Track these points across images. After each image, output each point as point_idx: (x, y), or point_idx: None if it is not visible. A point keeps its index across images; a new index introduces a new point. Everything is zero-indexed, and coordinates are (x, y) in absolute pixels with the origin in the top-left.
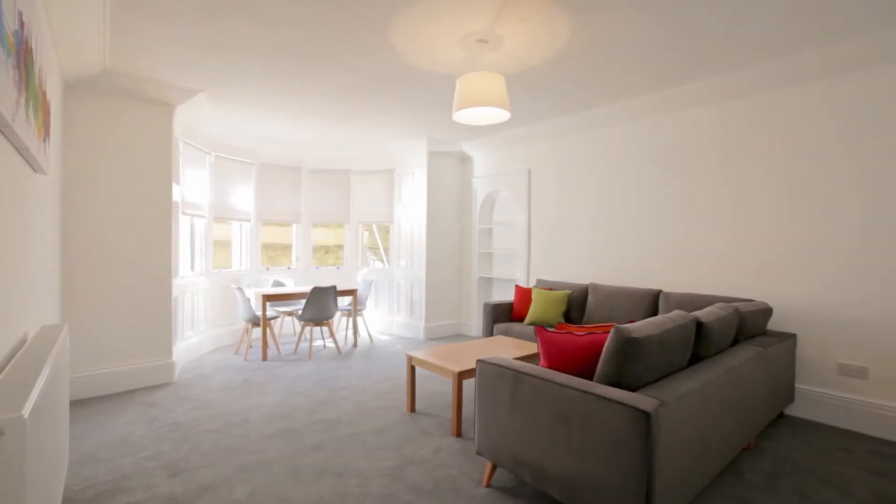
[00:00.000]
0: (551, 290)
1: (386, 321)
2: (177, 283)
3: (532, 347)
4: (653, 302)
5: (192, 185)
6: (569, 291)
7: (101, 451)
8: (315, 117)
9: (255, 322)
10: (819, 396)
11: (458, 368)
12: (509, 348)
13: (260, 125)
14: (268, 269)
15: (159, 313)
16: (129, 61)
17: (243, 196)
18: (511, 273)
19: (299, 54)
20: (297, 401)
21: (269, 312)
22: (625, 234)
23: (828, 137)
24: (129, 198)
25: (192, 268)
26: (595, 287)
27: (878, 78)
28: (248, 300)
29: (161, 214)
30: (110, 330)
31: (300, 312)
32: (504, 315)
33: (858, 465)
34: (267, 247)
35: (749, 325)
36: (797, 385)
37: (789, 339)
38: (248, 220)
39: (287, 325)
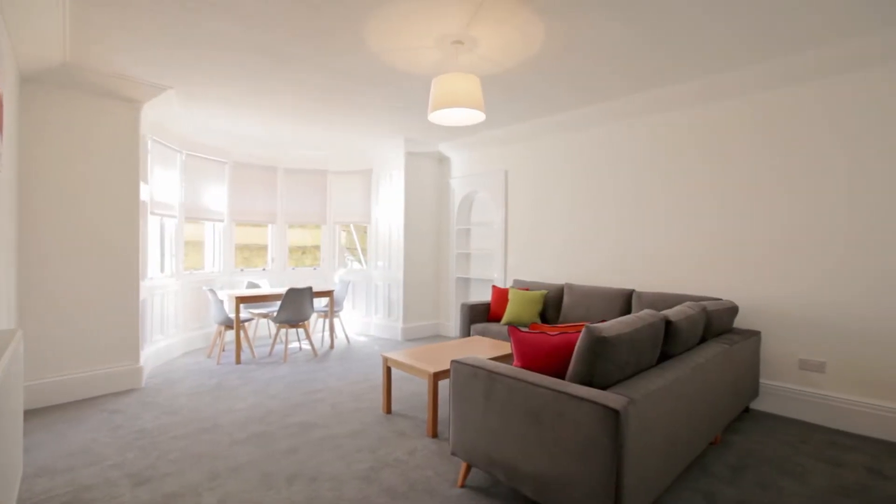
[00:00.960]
0: (528, 290)
1: (363, 322)
2: (145, 285)
3: (508, 347)
4: (626, 301)
5: (161, 185)
6: (545, 291)
7: (59, 461)
8: (290, 117)
9: (227, 324)
10: (781, 391)
11: (433, 369)
12: (486, 348)
13: (233, 124)
14: (242, 270)
15: (126, 316)
16: (93, 55)
17: (216, 196)
18: (489, 273)
19: (273, 53)
20: (271, 404)
21: (243, 314)
22: (600, 234)
23: (793, 142)
24: (93, 197)
25: (162, 269)
26: (570, 287)
27: (840, 88)
28: (221, 302)
29: (128, 214)
30: (72, 334)
31: (275, 314)
32: (481, 315)
33: (816, 456)
34: (242, 248)
35: (716, 323)
36: (761, 380)
37: (754, 336)
38: (222, 221)
39: (262, 327)
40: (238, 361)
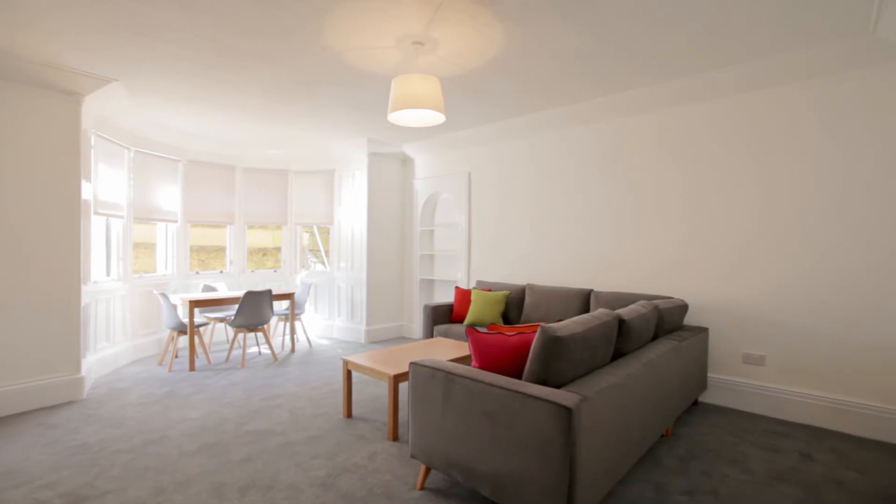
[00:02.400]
0: (490, 290)
1: (326, 325)
2: (88, 289)
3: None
4: (585, 301)
5: (107, 183)
6: (507, 292)
7: None
8: (248, 115)
9: (180, 330)
10: (727, 384)
11: (393, 371)
12: (448, 350)
13: (187, 120)
14: (198, 273)
15: (65, 323)
16: (24, 41)
17: (169, 195)
18: (452, 275)
19: (225, 47)
20: (226, 412)
21: (199, 319)
22: (562, 235)
23: (732, 147)
24: (27, 195)
25: (108, 272)
26: (532, 287)
27: (774, 97)
28: (173, 306)
29: (67, 214)
30: (2, 343)
31: (232, 318)
32: (444, 316)
33: (756, 444)
34: (198, 249)
35: (667, 320)
36: (709, 374)
37: (702, 332)
38: (175, 221)
39: (220, 332)
40: (192, 368)
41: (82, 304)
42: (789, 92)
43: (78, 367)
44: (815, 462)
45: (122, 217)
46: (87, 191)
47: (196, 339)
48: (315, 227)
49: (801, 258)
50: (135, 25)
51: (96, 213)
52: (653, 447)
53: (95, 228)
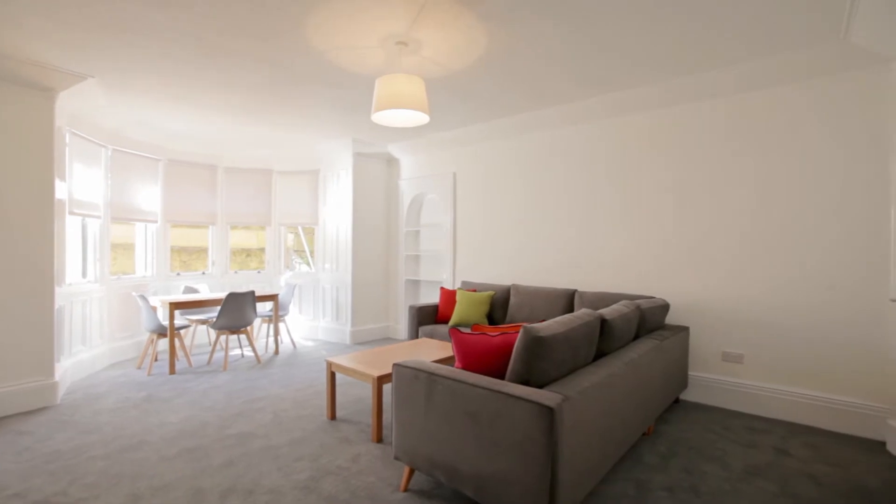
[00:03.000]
0: (475, 291)
1: (311, 326)
2: (63, 291)
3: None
4: (569, 301)
5: (83, 182)
6: (492, 293)
7: None
8: (230, 114)
9: (160, 332)
10: (707, 381)
11: (377, 373)
12: (432, 351)
13: (166, 118)
14: (179, 274)
15: (38, 327)
16: None
17: (148, 195)
18: (438, 275)
19: (205, 44)
20: (207, 416)
21: (179, 321)
22: (547, 235)
23: (717, 152)
24: None
25: (84, 274)
26: (516, 288)
27: (746, 102)
28: (153, 309)
29: (40, 213)
30: None
31: (214, 320)
32: (429, 317)
33: (735, 441)
34: (179, 250)
35: (649, 320)
36: (690, 372)
37: (683, 331)
38: (155, 222)
39: (202, 334)
40: (172, 371)
41: (56, 306)
42: (754, 98)
43: (51, 372)
44: (791, 457)
45: (99, 217)
46: (61, 190)
47: (177, 341)
48: (300, 228)
49: (775, 261)
50: (114, 20)
51: (71, 212)
52: (634, 445)
53: (71, 229)
